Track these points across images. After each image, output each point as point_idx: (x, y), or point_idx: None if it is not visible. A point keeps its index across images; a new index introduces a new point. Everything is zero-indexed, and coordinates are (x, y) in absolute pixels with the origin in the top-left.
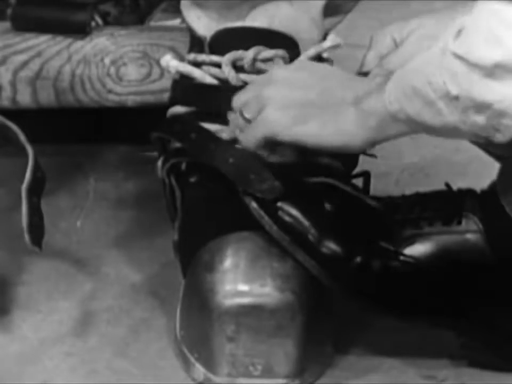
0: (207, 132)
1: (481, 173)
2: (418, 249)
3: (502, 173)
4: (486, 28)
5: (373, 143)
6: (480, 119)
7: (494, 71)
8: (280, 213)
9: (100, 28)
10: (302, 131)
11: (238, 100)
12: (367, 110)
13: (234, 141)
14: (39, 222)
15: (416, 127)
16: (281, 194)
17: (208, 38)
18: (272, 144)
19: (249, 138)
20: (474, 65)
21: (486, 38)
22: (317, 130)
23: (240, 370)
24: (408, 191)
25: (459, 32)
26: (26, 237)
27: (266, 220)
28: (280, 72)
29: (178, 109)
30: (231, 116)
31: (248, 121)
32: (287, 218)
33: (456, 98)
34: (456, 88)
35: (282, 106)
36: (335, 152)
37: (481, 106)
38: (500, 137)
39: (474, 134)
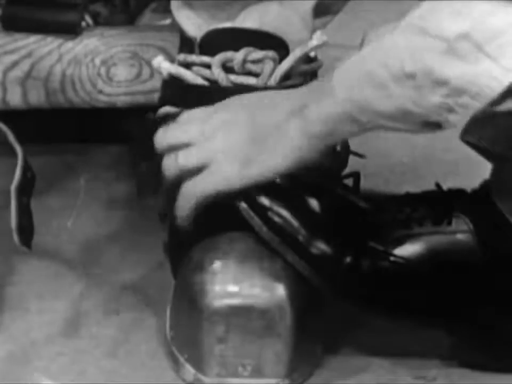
0: None
1: (472, 172)
2: (408, 249)
3: (495, 172)
4: (452, 2)
5: (328, 147)
6: (435, 98)
7: (456, 44)
8: (269, 213)
9: (90, 28)
10: (253, 172)
11: (162, 141)
12: (311, 119)
13: None
14: (28, 222)
15: (366, 115)
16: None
17: (198, 39)
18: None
19: (197, 192)
20: (436, 37)
21: (452, 10)
22: (267, 163)
23: (229, 371)
24: (398, 191)
25: (422, 9)
26: (15, 237)
27: (256, 221)
28: (211, 120)
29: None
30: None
31: (183, 171)
32: (276, 219)
33: (412, 76)
34: (414, 65)
35: (228, 157)
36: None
37: (439, 83)
38: (453, 119)
39: (425, 119)
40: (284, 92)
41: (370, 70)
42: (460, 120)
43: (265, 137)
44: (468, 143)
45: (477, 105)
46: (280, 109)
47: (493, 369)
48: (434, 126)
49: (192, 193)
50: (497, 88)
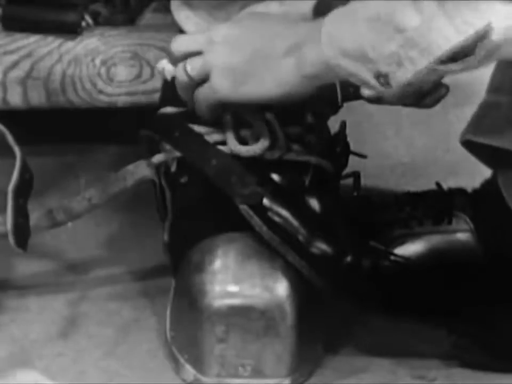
0: (192, 131)
1: (472, 172)
2: (408, 248)
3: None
4: None
5: (313, 89)
6: (391, 46)
7: None
8: (269, 213)
9: (91, 28)
10: (244, 91)
11: (178, 46)
12: (305, 60)
13: (221, 143)
14: (24, 223)
15: (332, 50)
16: (261, 199)
17: None
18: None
19: (201, 102)
20: None
21: None
22: (257, 87)
23: (229, 371)
24: (398, 191)
25: None
26: (10, 238)
27: (256, 221)
28: (219, 31)
29: (168, 110)
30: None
31: (191, 78)
32: (276, 218)
33: (376, 19)
34: (379, 9)
35: (223, 72)
36: (279, 104)
37: (397, 30)
38: (399, 76)
39: (377, 67)
40: (286, 24)
41: (354, 8)
42: (402, 77)
43: (261, 64)
44: (467, 145)
45: (423, 62)
46: (280, 41)
47: (493, 369)
48: (383, 79)
49: (200, 99)
50: (444, 46)
